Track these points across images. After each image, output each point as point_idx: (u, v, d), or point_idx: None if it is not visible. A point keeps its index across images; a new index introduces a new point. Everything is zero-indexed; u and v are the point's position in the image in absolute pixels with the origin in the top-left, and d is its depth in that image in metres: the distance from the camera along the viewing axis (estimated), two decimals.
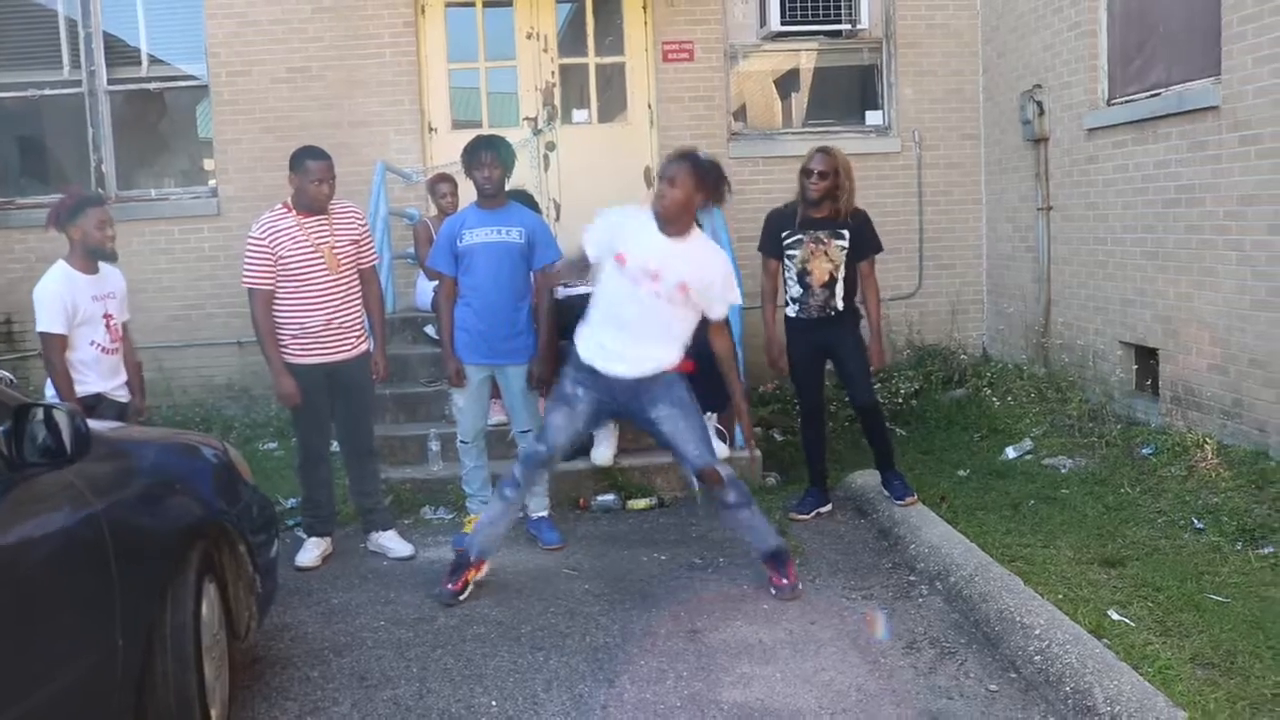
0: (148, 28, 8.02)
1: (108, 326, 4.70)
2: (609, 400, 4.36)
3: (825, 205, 5.17)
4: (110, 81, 7.97)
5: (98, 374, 4.66)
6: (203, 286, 7.93)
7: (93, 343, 4.63)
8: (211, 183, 8.07)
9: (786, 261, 5.27)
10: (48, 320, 4.52)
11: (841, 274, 5.22)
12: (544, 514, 5.37)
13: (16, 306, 7.75)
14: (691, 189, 4.13)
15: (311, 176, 4.80)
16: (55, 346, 4.53)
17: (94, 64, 7.91)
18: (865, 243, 5.28)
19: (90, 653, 2.64)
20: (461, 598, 4.50)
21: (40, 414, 2.55)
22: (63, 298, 4.52)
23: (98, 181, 7.92)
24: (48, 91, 8.01)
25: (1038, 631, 3.66)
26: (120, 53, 8.04)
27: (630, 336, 4.23)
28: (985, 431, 6.68)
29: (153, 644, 2.93)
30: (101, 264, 4.73)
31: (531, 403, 5.22)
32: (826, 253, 5.19)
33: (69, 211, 4.65)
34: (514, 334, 5.08)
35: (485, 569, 4.69)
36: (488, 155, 5.01)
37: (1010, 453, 6.15)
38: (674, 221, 4.19)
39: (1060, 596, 3.98)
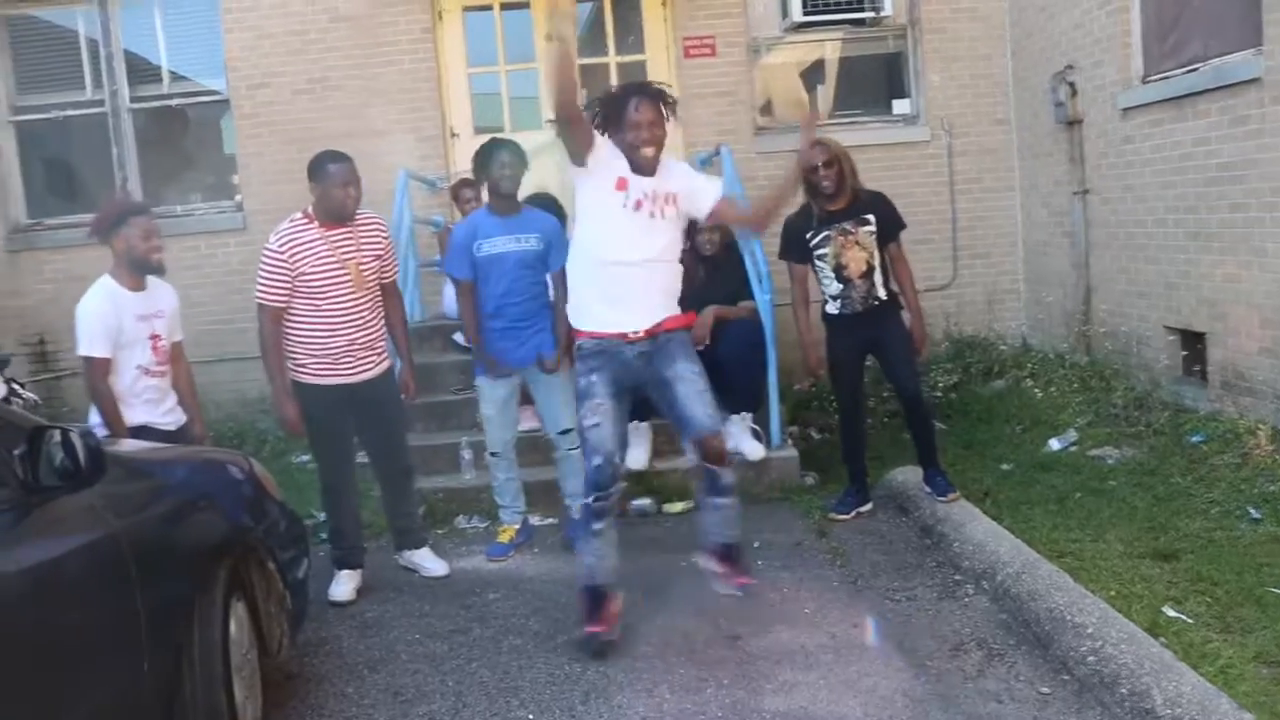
0: (167, 45, 8.03)
1: (154, 348, 4.41)
2: (624, 372, 3.99)
3: (840, 196, 5.05)
4: (132, 99, 8.00)
5: (142, 401, 4.38)
6: (232, 301, 7.90)
7: (136, 365, 4.36)
8: (237, 197, 8.05)
9: (818, 263, 5.14)
10: (88, 343, 4.24)
11: (876, 261, 5.10)
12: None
13: (49, 326, 7.78)
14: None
15: (336, 181, 4.50)
16: (98, 371, 4.25)
17: (115, 83, 7.92)
18: (890, 223, 5.16)
19: (115, 676, 2.59)
20: (613, 638, 3.97)
21: (55, 436, 2.49)
22: (105, 318, 4.25)
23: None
24: (71, 112, 8.04)
25: (1090, 630, 3.53)
26: (141, 71, 8.06)
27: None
28: (1028, 423, 6.51)
29: (181, 665, 2.88)
30: (151, 280, 4.46)
31: (569, 399, 5.13)
32: (858, 241, 5.06)
33: (111, 221, 4.38)
34: (537, 332, 5.02)
35: (619, 599, 4.12)
36: (506, 155, 4.91)
37: (1054, 444, 5.99)
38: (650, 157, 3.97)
39: (1112, 593, 3.84)
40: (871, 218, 5.08)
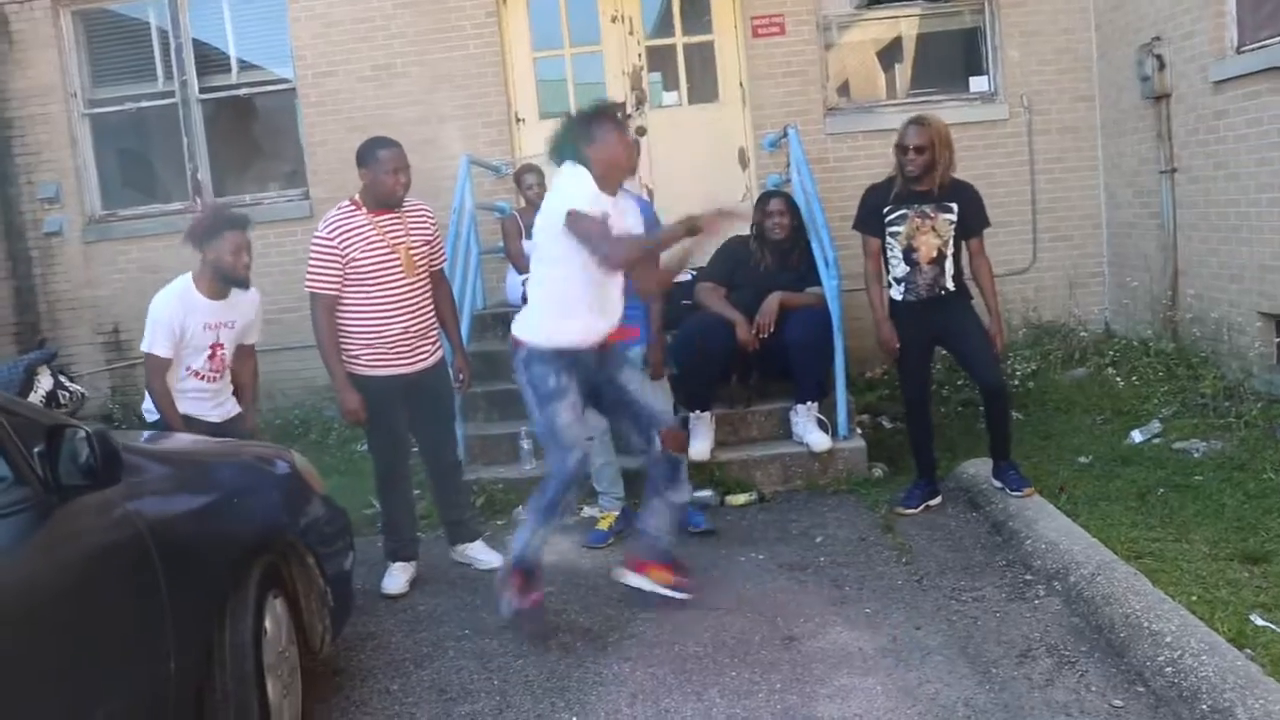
0: (235, 35, 8.08)
1: (211, 356, 4.45)
2: (586, 378, 4.06)
3: (926, 179, 4.84)
4: (202, 90, 8.06)
5: (187, 399, 4.43)
6: (298, 289, 7.72)
7: (189, 368, 4.42)
8: (303, 186, 8.07)
9: (890, 239, 4.94)
10: (151, 340, 4.33)
11: (950, 250, 4.88)
12: (686, 499, 5.18)
13: (123, 316, 7.91)
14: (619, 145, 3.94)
15: (386, 167, 4.46)
16: (156, 369, 4.32)
17: (185, 74, 7.99)
18: (974, 218, 4.93)
19: (139, 677, 2.55)
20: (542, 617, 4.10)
21: (75, 434, 2.44)
22: (172, 320, 4.31)
23: (194, 190, 8.02)
24: (144, 104, 8.13)
25: (1168, 639, 3.30)
26: (211, 61, 8.12)
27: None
28: (1109, 414, 6.21)
29: (211, 664, 2.83)
30: (235, 290, 4.49)
31: (663, 387, 5.02)
32: (934, 227, 4.85)
33: (206, 230, 4.43)
34: (629, 311, 4.82)
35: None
36: None
37: (1136, 436, 5.68)
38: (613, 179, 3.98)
39: (1194, 598, 3.59)
40: (955, 206, 4.86)
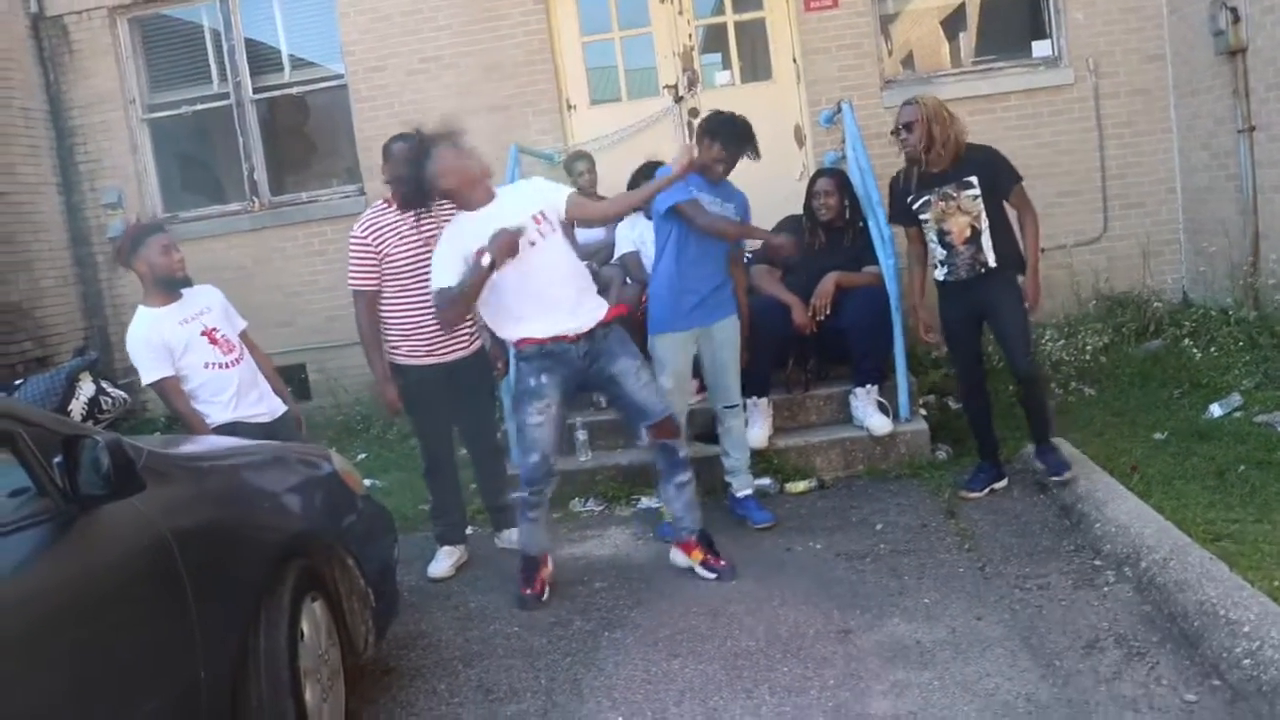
0: (286, 33, 8.09)
1: (212, 340, 4.43)
2: (571, 375, 4.23)
3: (935, 160, 4.66)
4: (255, 90, 8.08)
5: (228, 397, 4.43)
6: None
7: (206, 364, 4.40)
8: (359, 181, 8.08)
9: (924, 226, 4.81)
10: (147, 370, 4.35)
11: (985, 224, 4.68)
12: (749, 492, 5.10)
13: None
14: (454, 164, 4.18)
15: (400, 161, 4.47)
16: (167, 391, 4.37)
17: (239, 74, 8.03)
18: (1000, 179, 4.70)
19: (167, 688, 2.52)
20: (544, 599, 4.37)
21: (94, 444, 2.41)
22: (149, 343, 4.33)
23: (251, 190, 8.08)
24: (199, 106, 8.20)
25: (1247, 629, 3.10)
26: (263, 60, 8.15)
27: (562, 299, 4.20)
28: (1186, 387, 5.93)
29: (246, 671, 2.80)
30: (184, 290, 4.48)
31: (738, 369, 4.96)
32: (960, 206, 4.67)
33: (130, 246, 4.44)
34: (720, 288, 4.84)
35: (550, 564, 4.55)
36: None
37: (1215, 410, 5.41)
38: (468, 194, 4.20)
39: (1276, 584, 3.37)
40: (975, 180, 4.66)
